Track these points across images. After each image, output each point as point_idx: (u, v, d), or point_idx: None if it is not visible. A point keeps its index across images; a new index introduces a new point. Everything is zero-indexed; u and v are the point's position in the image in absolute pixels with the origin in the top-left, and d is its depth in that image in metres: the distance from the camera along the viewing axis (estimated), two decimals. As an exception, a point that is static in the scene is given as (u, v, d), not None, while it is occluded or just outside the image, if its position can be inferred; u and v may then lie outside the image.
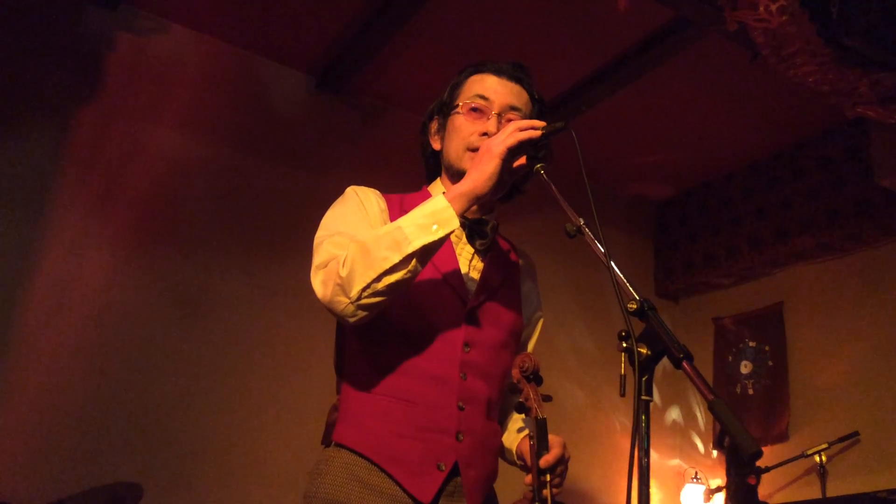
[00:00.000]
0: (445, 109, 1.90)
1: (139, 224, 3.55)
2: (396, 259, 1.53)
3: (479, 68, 1.91)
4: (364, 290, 1.54)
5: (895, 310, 4.13)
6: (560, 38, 3.85)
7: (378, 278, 1.53)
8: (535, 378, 1.71)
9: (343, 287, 1.54)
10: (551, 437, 1.64)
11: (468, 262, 1.83)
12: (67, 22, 3.59)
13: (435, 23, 3.71)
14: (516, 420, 1.93)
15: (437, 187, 1.90)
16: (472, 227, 1.85)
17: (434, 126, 1.93)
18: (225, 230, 3.74)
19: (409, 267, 1.54)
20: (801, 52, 3.08)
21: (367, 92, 4.23)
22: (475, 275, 1.82)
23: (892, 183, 3.93)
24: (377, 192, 1.86)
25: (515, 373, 1.70)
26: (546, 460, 1.60)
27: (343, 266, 1.55)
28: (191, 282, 3.58)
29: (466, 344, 1.74)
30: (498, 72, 1.88)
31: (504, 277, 1.88)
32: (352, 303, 1.55)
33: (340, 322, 1.71)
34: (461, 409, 1.69)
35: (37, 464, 3.09)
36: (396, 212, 1.82)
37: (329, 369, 1.83)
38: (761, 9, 2.91)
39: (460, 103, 1.86)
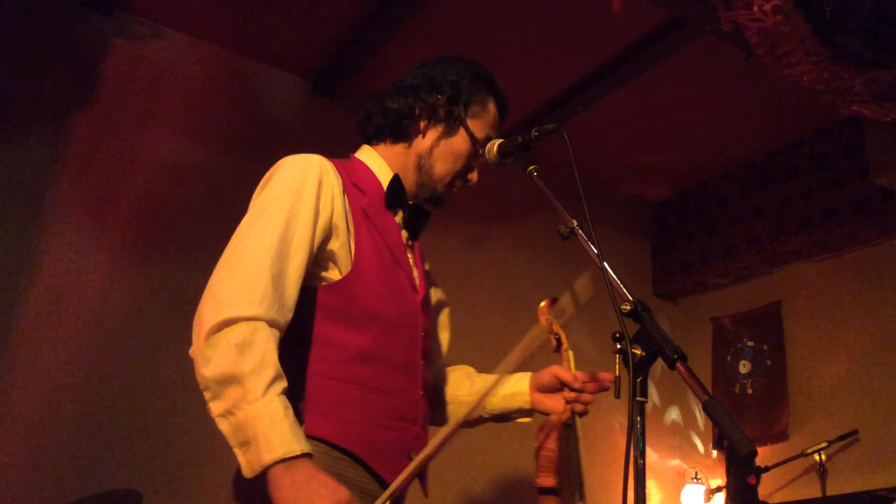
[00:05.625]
0: (459, 112, 1.81)
1: (137, 229, 3.54)
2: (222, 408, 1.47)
3: (497, 94, 1.87)
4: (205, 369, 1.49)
5: (893, 307, 4.13)
6: (555, 40, 3.85)
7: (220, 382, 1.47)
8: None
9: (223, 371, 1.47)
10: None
11: (407, 248, 1.82)
12: (62, 28, 3.59)
13: (431, 25, 3.71)
14: (478, 376, 2.00)
15: (376, 161, 1.81)
16: (413, 214, 1.82)
17: (442, 107, 1.81)
18: (222, 234, 3.68)
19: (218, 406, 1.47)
20: (795, 52, 3.09)
21: (364, 95, 4.17)
22: (414, 262, 1.82)
23: (888, 181, 3.94)
24: (330, 165, 1.70)
25: (544, 320, 1.85)
26: (576, 377, 1.81)
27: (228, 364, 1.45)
28: (189, 285, 3.55)
29: (424, 331, 1.75)
30: (502, 115, 1.89)
31: (425, 267, 1.91)
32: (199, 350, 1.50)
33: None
34: (424, 396, 1.71)
35: (35, 471, 3.08)
36: (347, 183, 1.71)
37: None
38: (756, 8, 2.91)
39: (480, 135, 1.81)
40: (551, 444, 1.72)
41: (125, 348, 3.38)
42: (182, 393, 3.45)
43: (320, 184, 1.63)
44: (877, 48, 3.11)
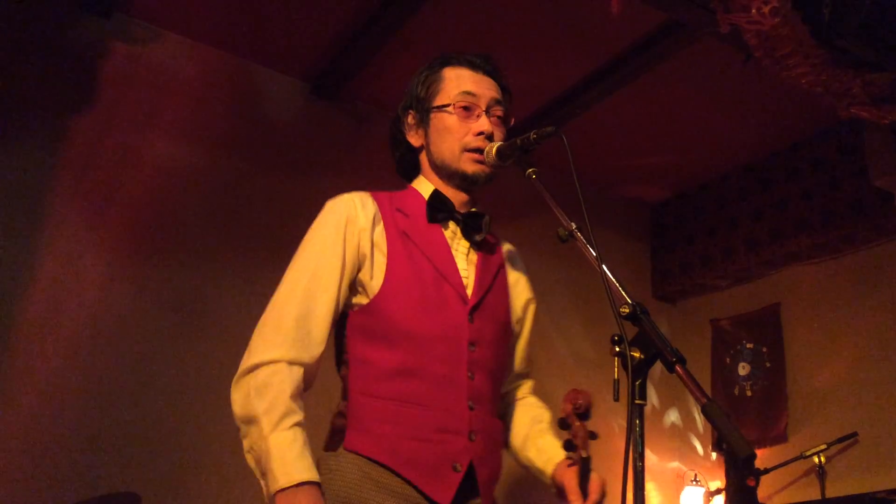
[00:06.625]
0: (425, 105, 1.88)
1: (135, 232, 3.54)
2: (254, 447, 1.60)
3: (451, 62, 1.91)
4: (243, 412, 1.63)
5: (892, 309, 4.13)
6: (554, 43, 3.85)
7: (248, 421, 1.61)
8: (586, 415, 1.69)
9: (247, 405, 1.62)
10: (593, 477, 1.67)
11: (464, 257, 1.83)
12: (61, 30, 3.59)
13: (429, 28, 3.71)
14: (547, 437, 1.93)
15: (424, 184, 1.90)
16: (468, 221, 1.84)
17: (412, 121, 1.91)
18: (221, 237, 3.73)
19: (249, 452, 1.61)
20: (794, 54, 3.09)
21: (363, 98, 4.23)
22: (472, 271, 1.82)
23: (886, 183, 3.94)
24: (362, 199, 1.82)
25: (567, 408, 1.68)
26: (592, 500, 1.64)
27: (252, 405, 1.60)
28: (187, 289, 3.58)
29: (472, 343, 1.74)
30: (472, 66, 1.90)
31: (496, 271, 1.89)
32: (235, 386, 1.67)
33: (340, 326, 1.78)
34: (471, 409, 1.69)
35: (33, 474, 3.08)
36: (387, 211, 1.81)
37: (327, 375, 1.81)
38: (754, 11, 2.91)
39: (450, 103, 1.84)
40: None
41: (124, 350, 3.38)
42: (180, 396, 3.45)
43: (348, 220, 1.76)
44: (875, 50, 3.11)
